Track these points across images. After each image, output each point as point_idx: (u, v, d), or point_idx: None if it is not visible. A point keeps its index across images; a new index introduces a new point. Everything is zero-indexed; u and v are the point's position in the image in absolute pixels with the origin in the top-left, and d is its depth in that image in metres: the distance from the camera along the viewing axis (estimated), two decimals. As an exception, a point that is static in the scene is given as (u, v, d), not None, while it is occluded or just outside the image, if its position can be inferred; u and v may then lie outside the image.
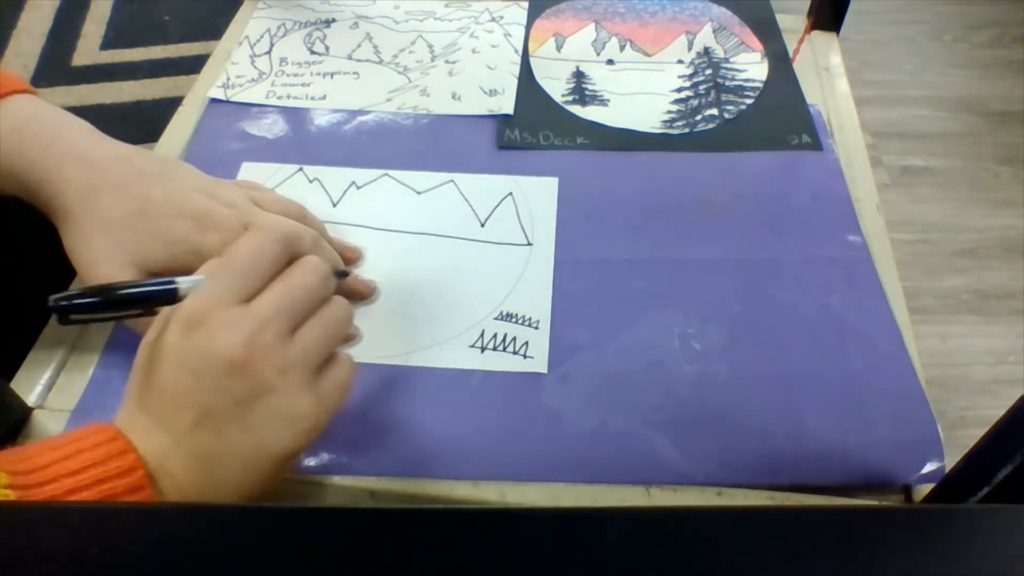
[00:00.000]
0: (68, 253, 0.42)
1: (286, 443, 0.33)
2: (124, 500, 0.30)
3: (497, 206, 0.53)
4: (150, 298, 0.36)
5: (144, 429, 0.33)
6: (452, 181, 0.54)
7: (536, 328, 0.46)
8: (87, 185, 0.41)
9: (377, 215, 0.52)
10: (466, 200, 0.53)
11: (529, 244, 0.51)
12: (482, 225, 0.52)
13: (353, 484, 0.40)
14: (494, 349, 0.45)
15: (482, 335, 0.46)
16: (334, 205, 0.53)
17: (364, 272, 0.49)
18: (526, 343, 0.45)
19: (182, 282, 0.36)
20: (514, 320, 0.46)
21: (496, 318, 0.46)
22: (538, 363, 0.44)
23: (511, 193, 0.54)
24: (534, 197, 0.53)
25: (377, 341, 0.45)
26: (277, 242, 0.36)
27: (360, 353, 0.44)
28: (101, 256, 0.41)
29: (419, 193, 0.54)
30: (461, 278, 0.49)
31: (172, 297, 0.35)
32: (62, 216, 0.41)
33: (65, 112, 0.44)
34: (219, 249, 0.41)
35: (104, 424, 0.33)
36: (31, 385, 0.44)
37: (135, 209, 0.41)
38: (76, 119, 0.44)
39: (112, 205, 0.41)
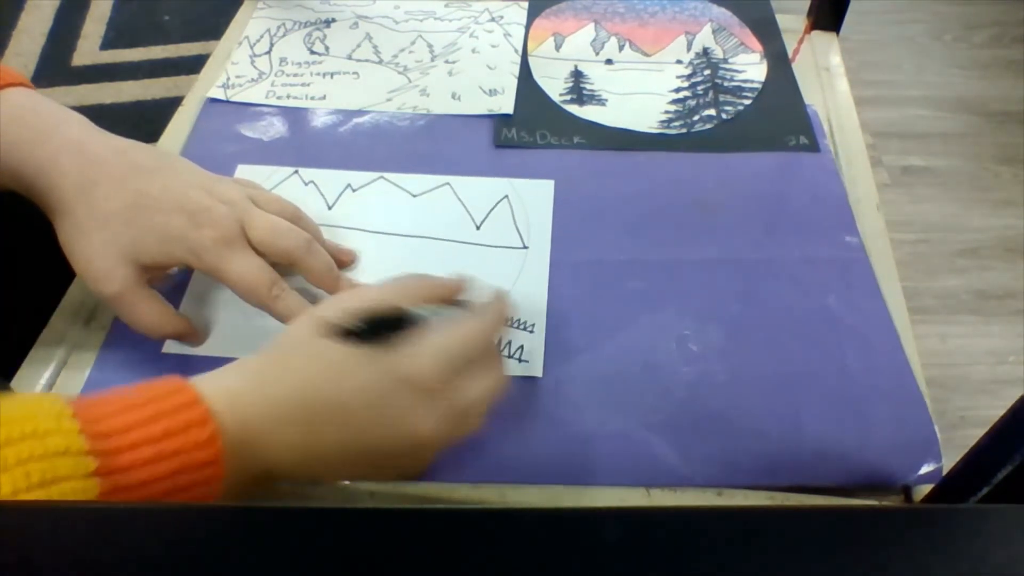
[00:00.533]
0: (63, 248, 0.42)
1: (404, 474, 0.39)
2: (199, 472, 0.31)
3: (493, 209, 0.53)
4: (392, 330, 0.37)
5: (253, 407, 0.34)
6: (448, 184, 0.54)
7: (531, 332, 0.46)
8: (83, 178, 0.41)
9: (372, 218, 0.52)
10: (461, 203, 0.53)
11: (525, 247, 0.51)
12: (477, 228, 0.52)
13: (353, 484, 0.40)
14: None
15: None
16: (329, 208, 0.53)
17: (359, 275, 0.49)
18: (521, 347, 0.45)
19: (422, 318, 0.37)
20: (510, 323, 0.46)
21: None
22: (533, 367, 0.44)
23: (507, 196, 0.54)
24: (530, 200, 0.53)
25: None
26: (496, 334, 0.40)
27: None
28: (96, 251, 0.41)
29: (415, 196, 0.54)
30: None
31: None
32: (58, 210, 0.41)
33: (61, 106, 0.44)
34: (215, 246, 0.41)
35: (181, 383, 0.33)
36: (31, 385, 0.44)
37: (130, 203, 0.41)
38: (72, 112, 0.44)
39: (108, 198, 0.41)
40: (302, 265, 0.44)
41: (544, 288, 0.48)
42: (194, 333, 0.45)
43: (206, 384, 0.33)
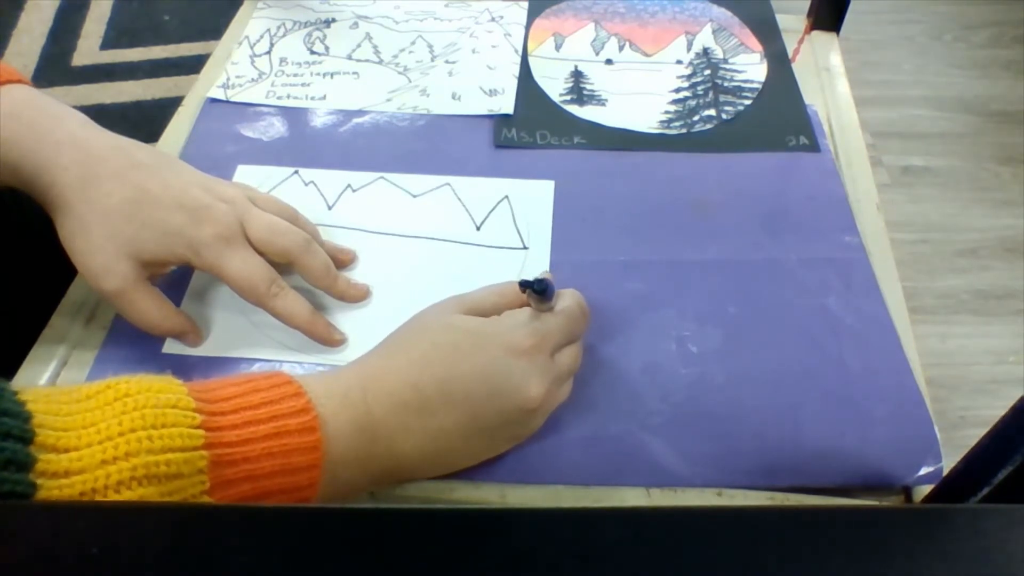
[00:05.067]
0: (64, 244, 0.42)
1: (499, 450, 0.40)
2: (297, 438, 0.33)
3: (493, 209, 0.53)
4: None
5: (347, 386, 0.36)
6: (448, 184, 0.54)
7: None
8: (84, 173, 0.41)
9: (372, 218, 0.52)
10: (462, 203, 0.53)
11: (525, 248, 0.50)
12: (477, 229, 0.52)
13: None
14: None
15: None
16: (329, 208, 0.53)
17: (358, 276, 0.49)
18: None
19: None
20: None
21: None
22: None
23: (507, 196, 0.53)
24: (530, 200, 0.53)
25: (369, 346, 0.45)
26: (584, 316, 0.42)
27: (349, 359, 0.44)
28: (96, 246, 0.41)
29: (415, 196, 0.54)
30: (456, 282, 0.48)
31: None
32: (58, 205, 0.41)
33: (60, 102, 0.44)
34: (214, 243, 0.41)
35: (276, 372, 0.36)
36: (31, 384, 0.44)
37: (131, 199, 0.41)
38: (72, 110, 0.44)
39: (108, 194, 0.41)
40: (300, 264, 0.45)
41: None
42: (195, 331, 0.45)
43: (310, 378, 0.36)
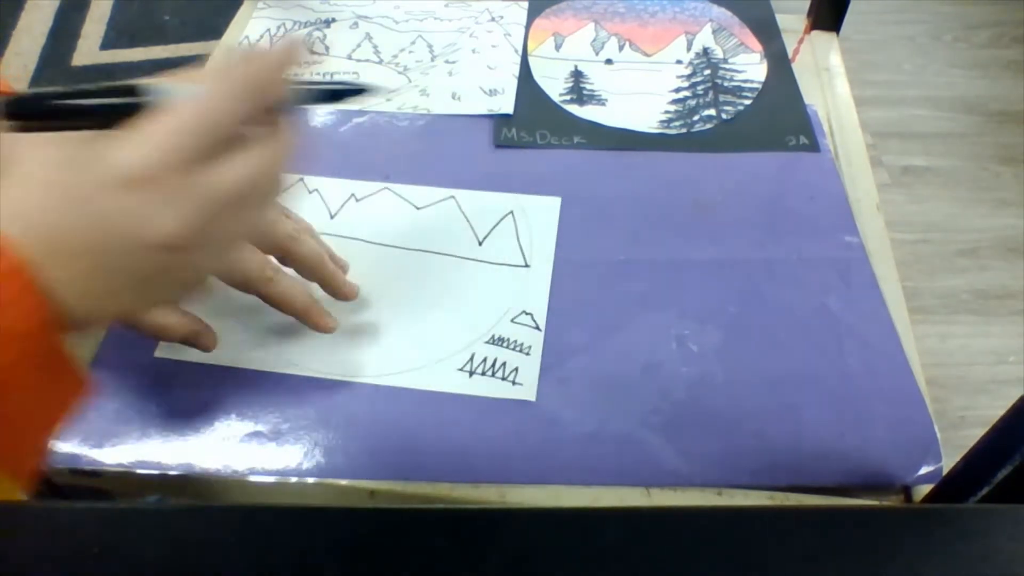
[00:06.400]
0: None
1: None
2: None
3: (496, 225, 0.52)
4: (113, 110, 0.30)
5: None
6: (453, 197, 0.54)
7: (527, 354, 0.45)
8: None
9: (374, 229, 0.51)
10: (465, 217, 0.52)
11: (526, 266, 0.50)
12: (480, 244, 0.51)
13: (353, 484, 0.40)
14: (483, 374, 0.44)
15: (471, 359, 0.45)
16: (332, 217, 0.52)
17: (362, 287, 0.47)
18: (516, 369, 0.44)
19: (155, 94, 0.29)
20: (505, 345, 0.45)
21: (487, 342, 0.45)
22: (527, 391, 0.43)
23: (511, 212, 0.53)
24: (535, 217, 0.52)
25: (366, 360, 0.45)
26: (253, 99, 0.30)
27: (348, 372, 0.44)
28: None
29: (418, 208, 0.53)
30: (455, 298, 0.47)
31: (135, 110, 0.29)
32: None
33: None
34: None
35: None
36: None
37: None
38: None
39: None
40: (292, 254, 0.42)
41: (543, 308, 0.47)
42: (207, 332, 0.43)
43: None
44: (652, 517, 0.23)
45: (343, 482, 0.40)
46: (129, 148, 0.28)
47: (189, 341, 0.42)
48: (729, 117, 0.60)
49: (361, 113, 0.60)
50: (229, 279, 0.41)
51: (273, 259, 0.42)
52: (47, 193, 0.28)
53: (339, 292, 0.45)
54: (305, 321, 0.43)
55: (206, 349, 0.43)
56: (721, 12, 0.69)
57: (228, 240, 0.32)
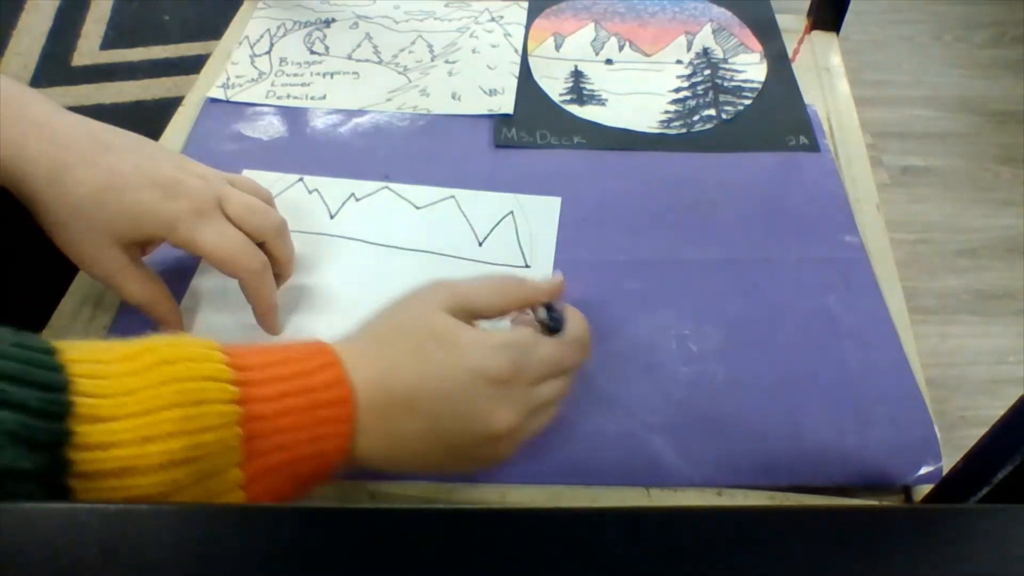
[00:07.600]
0: (47, 233, 0.41)
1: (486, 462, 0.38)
2: (329, 411, 0.32)
3: (496, 225, 0.52)
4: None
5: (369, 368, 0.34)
6: (453, 197, 0.54)
7: None
8: (52, 164, 0.39)
9: (374, 229, 0.51)
10: (465, 217, 0.52)
11: (527, 267, 0.50)
12: (480, 244, 0.51)
13: (353, 484, 0.40)
14: None
15: None
16: (332, 217, 0.52)
17: (355, 287, 0.48)
18: None
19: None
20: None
21: None
22: None
23: (512, 212, 0.53)
24: (535, 217, 0.52)
25: None
26: (584, 350, 0.40)
27: None
28: (78, 237, 0.40)
29: (418, 208, 0.53)
30: None
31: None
32: (32, 198, 0.40)
33: (25, 87, 0.42)
34: (188, 217, 0.41)
35: (314, 340, 0.35)
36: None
37: (103, 184, 0.40)
38: (38, 94, 0.42)
39: (79, 182, 0.40)
40: (273, 247, 0.44)
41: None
42: (175, 322, 0.45)
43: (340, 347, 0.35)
44: (652, 517, 0.23)
45: (343, 482, 0.40)
46: (503, 357, 0.36)
47: (145, 309, 0.43)
48: (729, 117, 0.60)
49: (361, 113, 0.60)
50: (217, 263, 0.42)
51: (263, 253, 0.43)
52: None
53: (273, 298, 0.46)
54: (266, 318, 0.45)
55: (162, 322, 0.44)
56: (721, 12, 0.69)
57: (530, 433, 0.38)
